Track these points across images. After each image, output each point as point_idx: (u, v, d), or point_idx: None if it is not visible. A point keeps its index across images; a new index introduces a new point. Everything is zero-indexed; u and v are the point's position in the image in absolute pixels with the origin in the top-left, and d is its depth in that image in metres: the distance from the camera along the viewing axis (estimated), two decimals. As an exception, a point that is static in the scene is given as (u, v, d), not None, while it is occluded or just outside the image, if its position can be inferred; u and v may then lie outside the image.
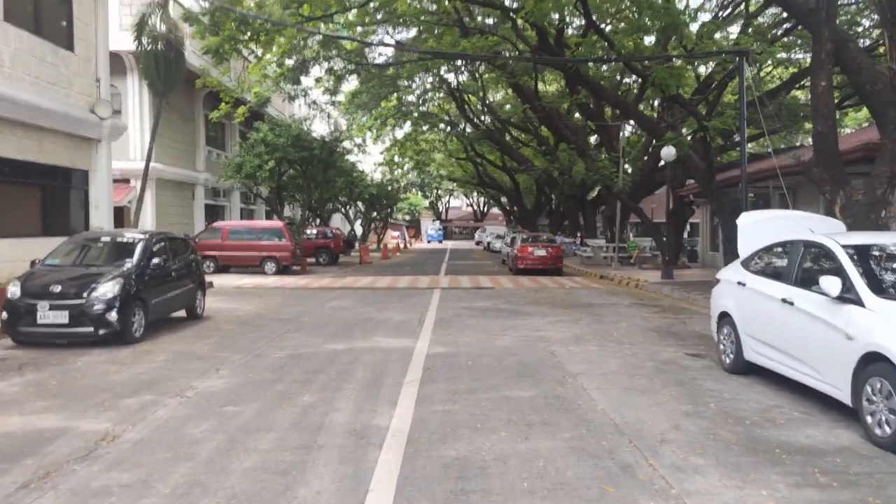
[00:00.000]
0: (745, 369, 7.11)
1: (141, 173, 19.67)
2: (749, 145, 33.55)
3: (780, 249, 6.98)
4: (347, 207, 43.96)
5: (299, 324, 11.43)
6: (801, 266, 6.36)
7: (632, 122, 29.81)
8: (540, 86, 30.75)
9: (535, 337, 10.04)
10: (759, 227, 7.77)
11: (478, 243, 62.68)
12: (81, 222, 16.19)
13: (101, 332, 8.94)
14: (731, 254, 18.20)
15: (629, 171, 25.25)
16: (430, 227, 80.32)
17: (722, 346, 7.56)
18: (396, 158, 48.51)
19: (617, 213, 25.84)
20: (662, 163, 26.49)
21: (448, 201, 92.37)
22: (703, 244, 25.73)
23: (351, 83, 34.13)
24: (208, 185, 28.45)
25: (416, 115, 39.61)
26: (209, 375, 7.37)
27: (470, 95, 38.70)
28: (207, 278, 19.83)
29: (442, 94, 40.96)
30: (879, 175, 11.23)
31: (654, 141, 29.52)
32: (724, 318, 7.50)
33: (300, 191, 29.08)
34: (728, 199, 18.11)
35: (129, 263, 9.69)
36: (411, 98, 38.94)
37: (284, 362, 8.10)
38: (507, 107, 39.32)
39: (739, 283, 7.24)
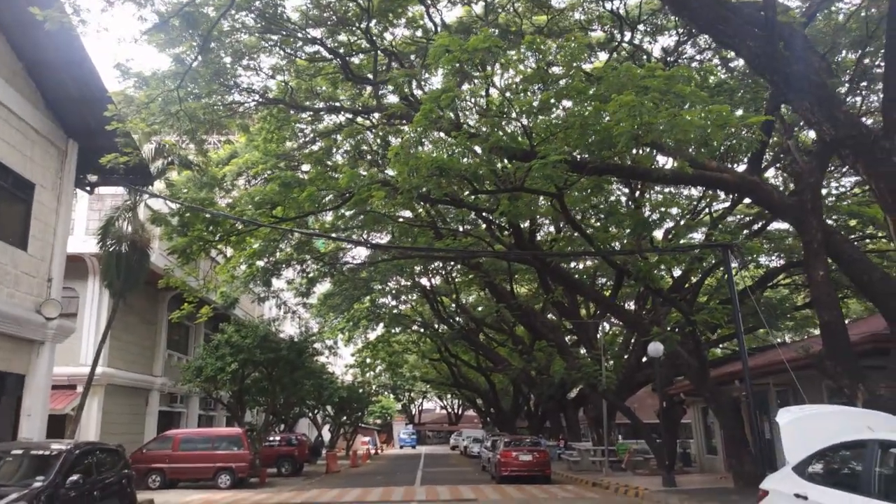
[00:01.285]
0: None
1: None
2: (733, 342, 33.25)
3: (846, 453, 5.74)
4: (315, 412, 41.47)
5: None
6: (881, 472, 5.09)
7: (610, 319, 29.47)
8: (514, 287, 30.73)
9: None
10: (804, 426, 6.56)
11: (453, 448, 59.15)
12: (8, 432, 14.19)
13: (-11, 573, 6.98)
14: (734, 457, 16.64)
15: (611, 368, 24.20)
16: (402, 430, 76.39)
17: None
18: (368, 360, 47.23)
19: (603, 414, 24.28)
20: (646, 359, 25.78)
21: (421, 403, 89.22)
22: (699, 446, 24.00)
23: (324, 285, 33.89)
24: (164, 391, 26.48)
25: (388, 317, 39.15)
26: None
27: (443, 297, 38.65)
28: (150, 495, 17.50)
29: (415, 296, 40.95)
30: (900, 367, 10.32)
31: (633, 338, 29.02)
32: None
33: (264, 394, 27.18)
34: (726, 397, 16.94)
35: (40, 482, 7.92)
36: (384, 300, 38.77)
37: None
38: (480, 308, 39.17)
39: (798, 496, 5.85)
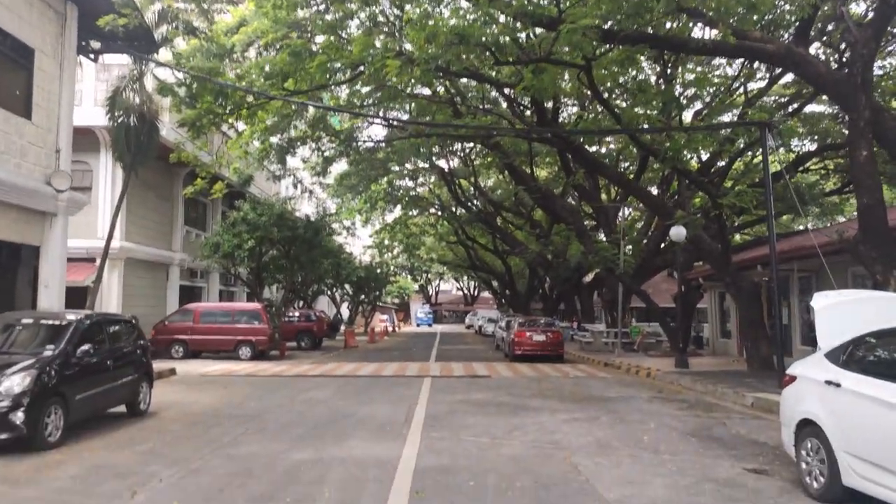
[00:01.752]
0: (843, 497, 5.32)
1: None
2: (758, 227, 32.55)
3: (887, 340, 5.35)
4: (334, 290, 42.23)
5: (262, 422, 9.51)
6: (929, 360, 4.72)
7: (630, 204, 28.84)
8: (534, 170, 29.94)
9: (550, 442, 8.19)
10: (841, 311, 6.15)
11: (468, 327, 60.72)
12: (28, 302, 14.38)
13: (3, 436, 7.05)
14: (750, 341, 16.57)
15: (630, 253, 23.89)
16: (419, 310, 78.35)
17: (805, 465, 5.77)
18: (386, 242, 47.49)
19: (619, 297, 24.27)
20: (664, 245, 25.40)
21: (438, 284, 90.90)
22: (713, 330, 24.08)
23: (340, 165, 33.35)
24: (184, 266, 26.76)
25: (405, 199, 38.80)
26: None
27: (461, 180, 38.01)
28: (174, 364, 18.06)
29: (433, 179, 40.33)
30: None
31: (654, 223, 28.52)
32: (807, 427, 5.75)
33: (282, 272, 27.43)
34: (746, 281, 16.61)
35: (51, 350, 7.89)
36: (402, 183, 38.26)
37: (227, 482, 6.20)
38: (499, 192, 38.59)
39: (830, 382, 5.54)
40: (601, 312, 44.38)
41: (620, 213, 26.30)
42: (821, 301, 6.40)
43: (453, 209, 40.58)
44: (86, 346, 8.22)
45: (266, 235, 23.79)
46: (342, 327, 37.53)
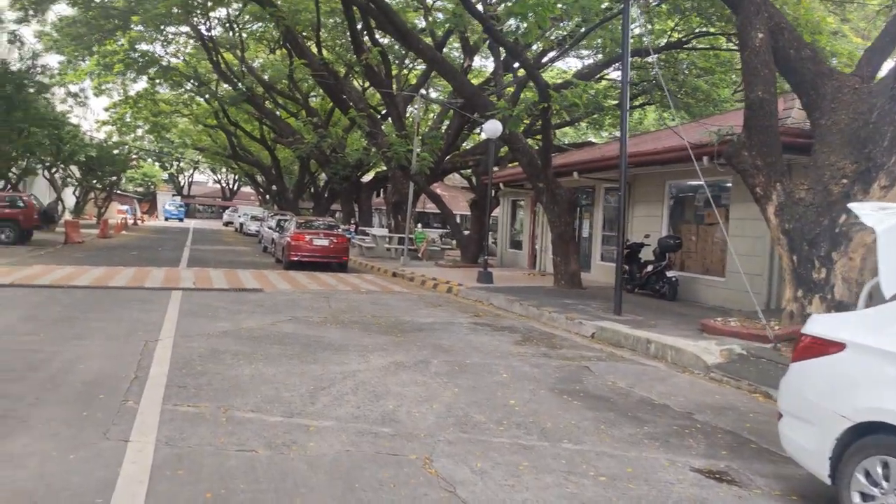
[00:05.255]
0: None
1: None
2: (567, 130, 31.30)
3: None
4: (53, 171, 33.96)
5: None
6: None
7: (429, 95, 25.96)
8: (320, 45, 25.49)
9: (381, 418, 5.12)
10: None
11: (227, 224, 54.78)
12: None
13: None
14: (563, 256, 14.99)
15: (422, 151, 21.12)
16: (168, 202, 69.36)
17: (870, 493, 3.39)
18: (128, 118, 39.40)
19: (409, 200, 21.67)
20: (463, 146, 23.17)
21: (192, 175, 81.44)
22: (502, 241, 22.75)
23: (61, 6, 25.71)
24: None
25: (155, 70, 31.79)
26: None
27: (225, 52, 31.92)
28: None
29: (190, 47, 33.51)
30: (832, 167, 8.27)
31: (446, 117, 26.11)
32: (871, 437, 3.39)
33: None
34: (564, 191, 14.82)
35: None
36: (150, 48, 31.21)
37: None
38: (268, 74, 33.29)
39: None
40: (380, 216, 42.08)
41: (417, 106, 23.28)
42: (881, 220, 3.93)
43: (214, 87, 34.38)
44: None
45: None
46: (60, 217, 30.20)
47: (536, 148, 16.77)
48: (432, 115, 30.78)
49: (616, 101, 23.61)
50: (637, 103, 25.53)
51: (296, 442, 4.53)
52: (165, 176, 76.42)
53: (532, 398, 6.02)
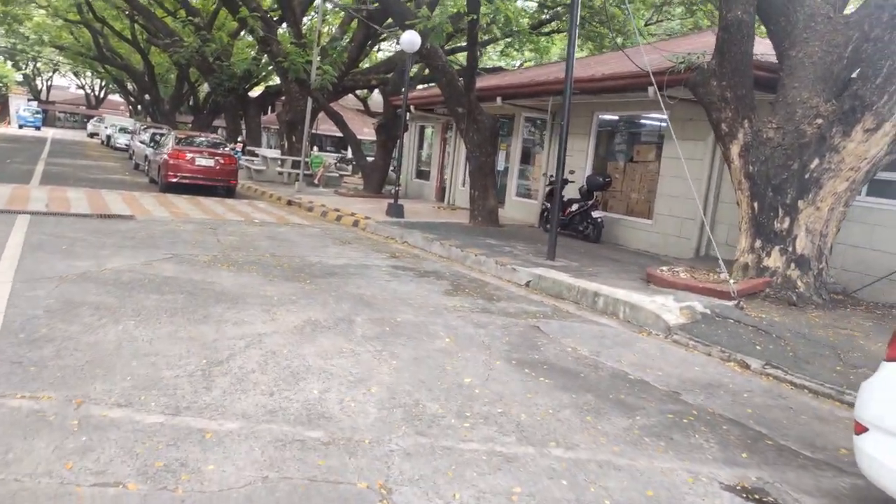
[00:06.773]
0: None
1: None
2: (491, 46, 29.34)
3: None
4: None
5: None
6: None
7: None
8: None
9: (306, 414, 3.75)
10: None
11: (91, 135, 49.14)
12: None
13: None
14: (481, 189, 13.81)
15: (324, 63, 18.89)
16: (22, 107, 61.34)
17: None
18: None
19: (307, 119, 19.53)
20: (369, 63, 21.07)
21: (51, 78, 72.43)
22: (408, 170, 21.21)
23: None
24: None
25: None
26: None
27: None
28: None
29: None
30: (804, 104, 7.45)
31: (349, 28, 23.75)
32: None
33: None
34: (487, 117, 13.50)
35: None
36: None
37: None
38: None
39: None
40: (269, 136, 38.96)
41: (315, 13, 20.79)
42: None
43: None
44: None
45: None
46: None
47: (457, 68, 15.21)
48: (329, 26, 28.07)
49: (532, 23, 22.30)
50: (546, 30, 24.33)
51: (185, 465, 3.08)
52: (20, 77, 67.50)
53: (489, 374, 4.84)
